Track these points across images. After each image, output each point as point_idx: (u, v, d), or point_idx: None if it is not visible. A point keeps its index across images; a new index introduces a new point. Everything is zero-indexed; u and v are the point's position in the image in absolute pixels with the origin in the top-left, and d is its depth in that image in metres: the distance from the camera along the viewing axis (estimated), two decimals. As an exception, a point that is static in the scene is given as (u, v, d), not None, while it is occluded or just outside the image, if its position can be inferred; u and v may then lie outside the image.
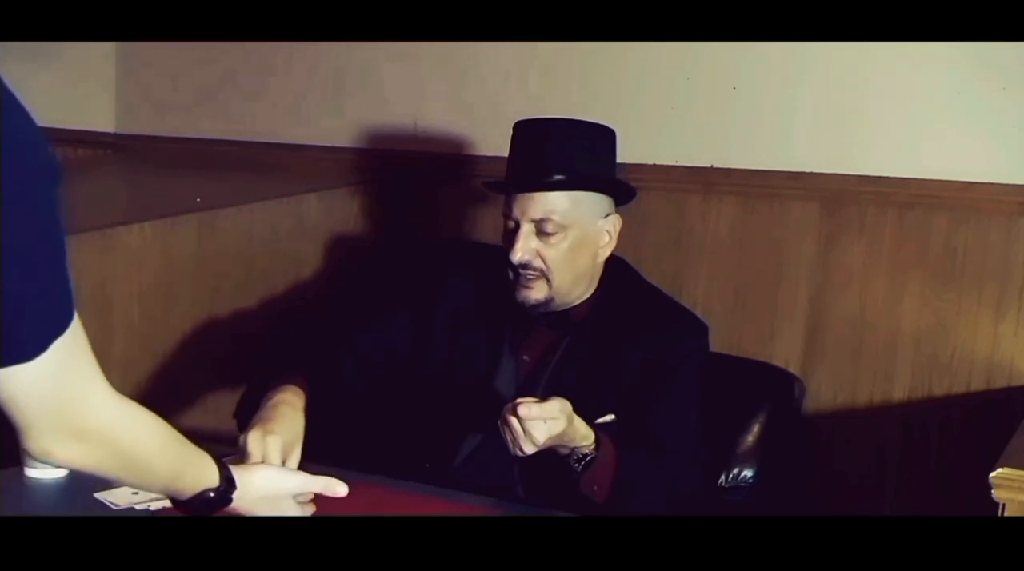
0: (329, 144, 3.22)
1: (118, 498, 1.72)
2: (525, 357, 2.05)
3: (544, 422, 1.71)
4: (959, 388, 2.58)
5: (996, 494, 1.82)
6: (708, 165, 2.78)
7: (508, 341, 2.06)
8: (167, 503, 1.71)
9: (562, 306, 2.03)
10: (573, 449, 1.82)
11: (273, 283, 2.81)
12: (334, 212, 2.98)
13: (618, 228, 2.05)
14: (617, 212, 2.05)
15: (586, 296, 2.05)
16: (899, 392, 2.64)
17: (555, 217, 1.97)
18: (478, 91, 3.03)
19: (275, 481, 1.49)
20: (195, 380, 2.59)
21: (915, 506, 2.60)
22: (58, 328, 1.10)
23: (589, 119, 2.10)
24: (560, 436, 1.75)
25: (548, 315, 2.03)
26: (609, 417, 1.93)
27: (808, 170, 2.68)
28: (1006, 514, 1.82)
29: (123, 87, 3.56)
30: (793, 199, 2.70)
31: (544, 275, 1.98)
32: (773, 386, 2.30)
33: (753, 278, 2.76)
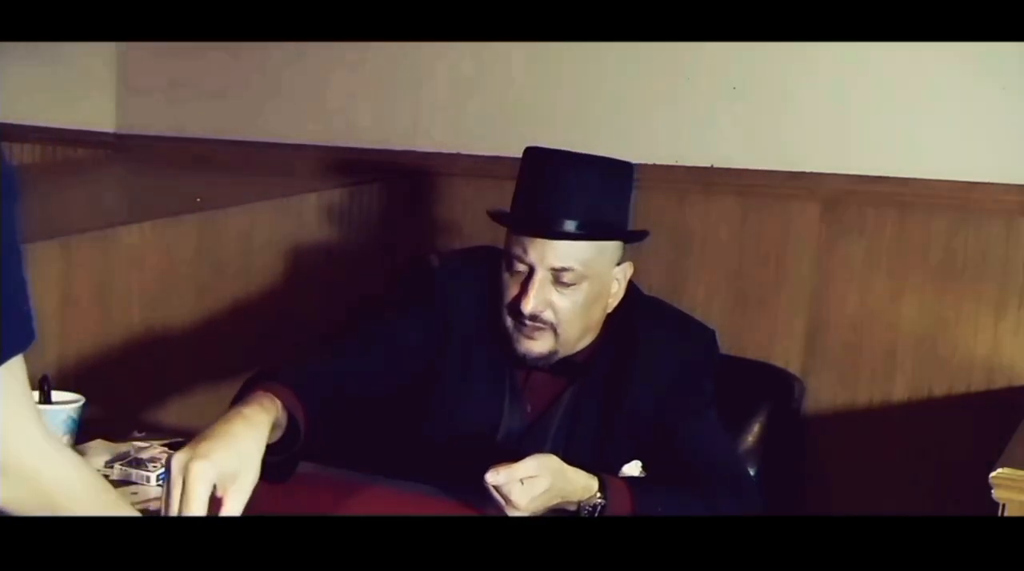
0: (329, 144, 3.22)
1: (118, 498, 1.72)
2: (528, 407, 1.87)
3: (521, 483, 1.57)
4: (959, 388, 2.58)
5: (996, 494, 1.82)
6: (708, 165, 2.78)
7: (509, 386, 1.87)
8: (167, 503, 1.71)
9: (563, 355, 1.84)
10: (579, 504, 1.66)
11: (273, 283, 2.81)
12: (334, 212, 2.98)
13: (628, 276, 1.87)
14: (628, 258, 1.87)
15: (587, 344, 1.86)
16: (899, 392, 2.64)
17: (578, 267, 1.76)
18: (478, 91, 3.03)
19: None
20: (195, 380, 2.59)
21: (915, 506, 2.60)
22: (10, 349, 1.05)
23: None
24: (550, 494, 1.61)
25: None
26: (636, 466, 1.81)
27: (808, 170, 2.68)
28: (1006, 514, 1.82)
29: (123, 87, 3.56)
30: (793, 199, 2.71)
31: (553, 328, 1.79)
32: (773, 386, 2.29)
33: (753, 278, 2.76)
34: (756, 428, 2.20)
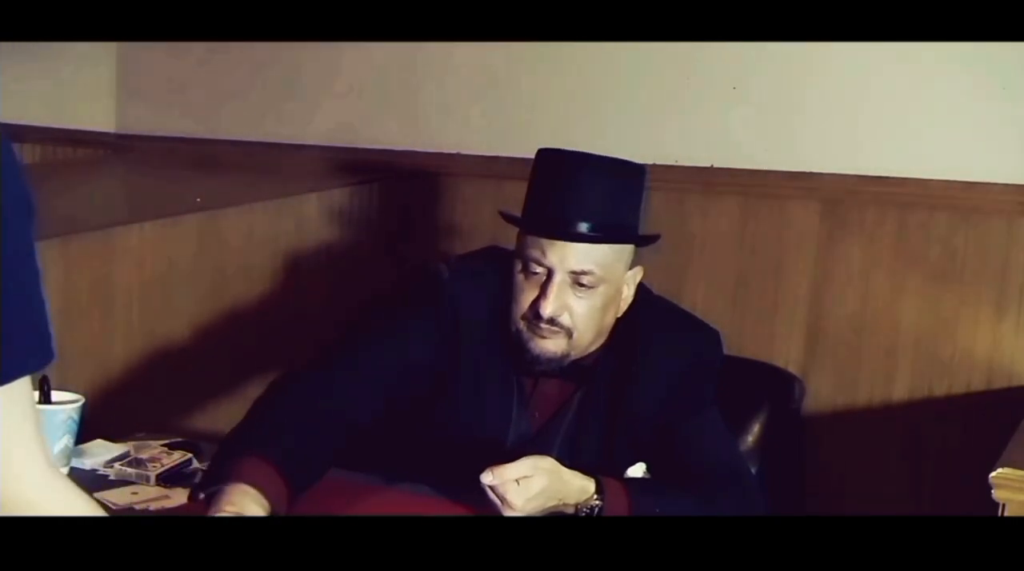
0: (329, 144, 3.22)
1: (117, 498, 1.72)
2: (536, 413, 1.87)
3: (517, 483, 1.58)
4: (959, 388, 2.58)
5: (996, 494, 1.82)
6: (708, 165, 2.78)
7: (517, 394, 1.86)
8: (167, 503, 1.72)
9: (574, 358, 1.83)
10: (576, 506, 1.67)
11: (273, 283, 2.81)
12: (334, 212, 2.98)
13: (638, 280, 1.86)
14: (638, 262, 1.86)
15: (599, 345, 1.85)
16: (899, 392, 2.64)
17: (597, 270, 1.75)
18: (478, 91, 3.03)
19: None
20: (195, 380, 2.59)
21: (915, 506, 2.60)
22: (28, 365, 1.03)
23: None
24: (546, 495, 1.62)
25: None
26: (640, 468, 1.81)
27: (808, 170, 2.68)
28: (1006, 514, 1.82)
29: (123, 87, 3.56)
30: (793, 199, 2.70)
31: (568, 331, 1.77)
32: (773, 386, 2.29)
33: (753, 278, 2.76)
34: (756, 428, 2.20)
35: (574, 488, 1.66)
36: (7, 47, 3.11)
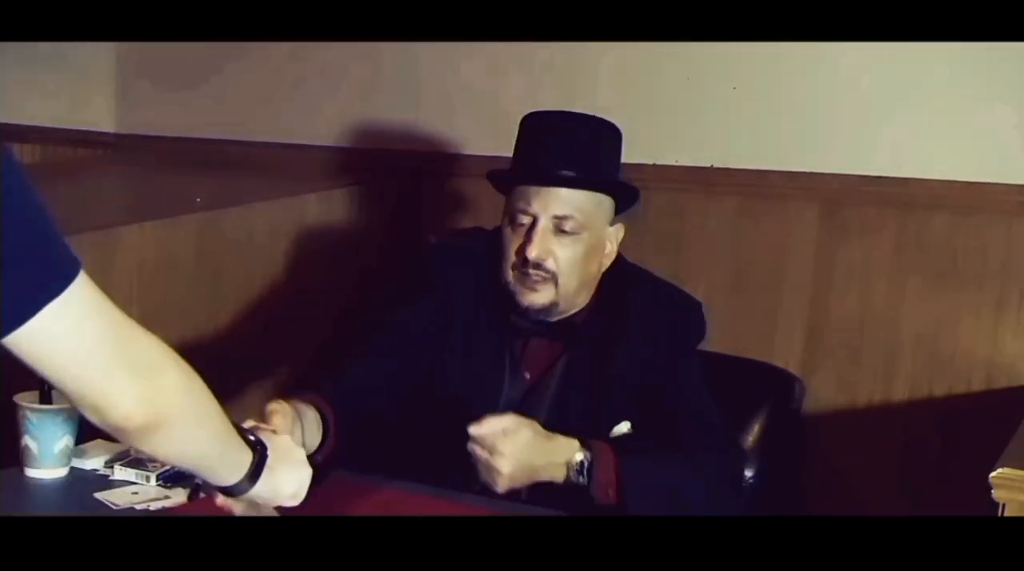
0: (328, 144, 3.22)
1: (118, 498, 1.72)
2: (526, 374, 1.94)
3: (504, 433, 1.67)
4: (959, 388, 2.58)
5: (996, 494, 1.82)
6: (708, 165, 2.78)
7: (509, 356, 1.94)
8: (167, 503, 1.72)
9: (561, 315, 1.93)
10: (567, 463, 1.74)
11: (273, 283, 2.81)
12: (334, 212, 2.99)
13: (620, 238, 1.97)
14: (620, 221, 1.97)
15: (583, 304, 1.96)
16: (899, 392, 2.64)
17: (578, 216, 1.87)
18: (477, 91, 3.03)
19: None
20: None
21: (915, 506, 2.60)
22: (68, 275, 1.06)
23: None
24: (534, 447, 1.69)
25: (544, 324, 1.93)
26: (624, 427, 1.87)
27: (808, 170, 2.68)
28: (1006, 514, 1.82)
29: (123, 87, 3.56)
30: (793, 199, 2.70)
31: (553, 278, 1.88)
32: (773, 386, 2.29)
33: (753, 278, 2.76)
34: (756, 428, 2.20)
35: (560, 444, 1.74)
36: (7, 47, 3.11)
